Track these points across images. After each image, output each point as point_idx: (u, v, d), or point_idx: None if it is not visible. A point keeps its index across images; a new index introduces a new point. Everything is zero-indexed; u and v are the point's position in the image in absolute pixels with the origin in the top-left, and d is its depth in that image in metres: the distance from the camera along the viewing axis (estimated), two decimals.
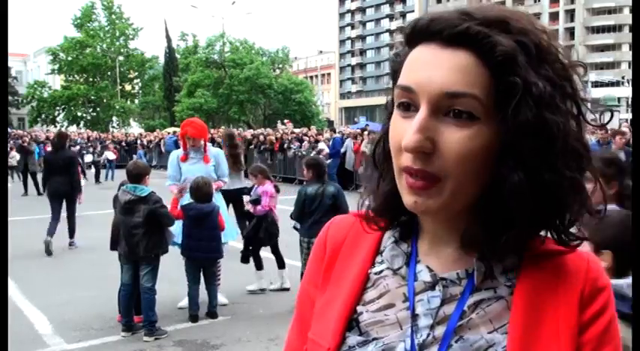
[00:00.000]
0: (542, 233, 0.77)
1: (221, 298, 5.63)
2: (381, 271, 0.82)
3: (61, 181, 8.15)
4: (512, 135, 0.69)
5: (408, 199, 0.73)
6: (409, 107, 0.72)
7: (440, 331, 0.75)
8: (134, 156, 21.84)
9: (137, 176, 4.95)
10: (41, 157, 15.61)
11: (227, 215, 5.78)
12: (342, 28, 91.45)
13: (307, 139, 18.46)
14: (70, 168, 8.27)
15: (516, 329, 0.72)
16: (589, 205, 0.74)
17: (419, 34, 0.73)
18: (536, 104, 0.68)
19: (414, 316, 0.76)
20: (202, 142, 5.70)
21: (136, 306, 5.22)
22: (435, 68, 0.70)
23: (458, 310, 0.75)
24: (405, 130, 0.71)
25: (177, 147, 8.09)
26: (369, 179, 0.85)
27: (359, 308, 0.80)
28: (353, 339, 0.78)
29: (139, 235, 4.79)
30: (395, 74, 0.78)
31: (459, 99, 0.69)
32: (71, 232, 8.46)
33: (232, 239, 5.82)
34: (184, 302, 5.53)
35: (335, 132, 20.28)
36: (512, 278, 0.76)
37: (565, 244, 0.75)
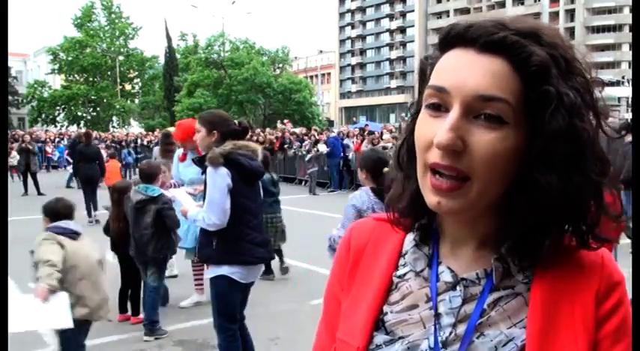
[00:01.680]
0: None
1: (200, 297, 5.65)
2: (404, 274, 0.86)
3: (91, 168, 11.25)
4: (545, 140, 0.72)
5: (431, 199, 0.76)
6: (439, 108, 0.75)
7: (462, 328, 0.78)
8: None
9: (150, 176, 4.98)
10: (67, 149, 20.36)
11: None
12: (342, 28, 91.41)
13: (308, 139, 18.44)
14: (97, 158, 11.52)
15: (534, 323, 0.75)
16: (607, 207, 0.77)
17: (454, 38, 0.76)
18: (568, 113, 0.72)
19: (437, 315, 0.80)
20: (195, 143, 5.63)
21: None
22: (470, 72, 0.73)
23: (478, 308, 0.78)
24: (433, 129, 0.74)
25: None
26: (393, 183, 0.88)
27: (385, 308, 0.84)
28: (380, 338, 0.82)
29: (147, 235, 4.81)
30: (423, 75, 0.81)
31: (492, 102, 0.72)
32: (94, 209, 10.74)
33: None
34: (186, 302, 5.55)
35: (328, 131, 20.17)
36: (529, 275, 0.78)
37: (587, 246, 0.78)
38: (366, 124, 22.99)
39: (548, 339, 0.74)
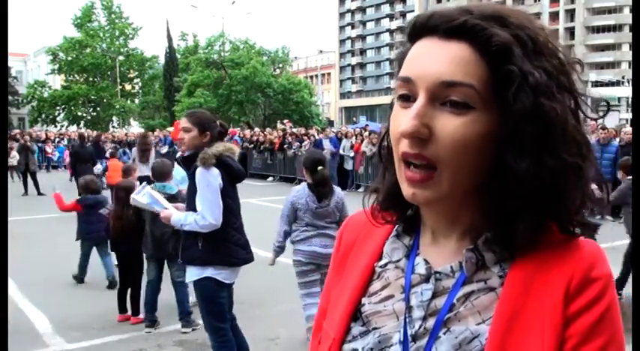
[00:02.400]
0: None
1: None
2: (386, 264, 0.86)
3: (86, 169, 11.80)
4: (512, 122, 0.71)
5: (407, 191, 0.75)
6: (409, 98, 0.75)
7: (430, 322, 0.77)
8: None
9: (163, 174, 5.01)
10: (66, 149, 21.85)
11: None
12: (342, 28, 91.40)
13: (308, 139, 18.41)
14: (92, 158, 12.88)
15: (500, 320, 0.72)
16: (590, 192, 0.75)
17: (419, 29, 0.77)
18: (534, 91, 0.70)
19: (409, 308, 0.79)
20: None
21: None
22: (432, 59, 0.73)
23: (447, 302, 0.77)
24: (403, 119, 0.73)
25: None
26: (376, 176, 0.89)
27: (363, 300, 0.84)
28: (356, 329, 0.83)
29: (168, 233, 4.83)
30: (399, 70, 0.80)
31: (456, 88, 0.71)
32: None
33: None
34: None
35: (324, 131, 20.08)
36: (506, 268, 0.76)
37: (570, 233, 0.75)
38: (367, 125, 22.96)
39: (511, 337, 0.70)
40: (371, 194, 0.88)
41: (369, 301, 0.83)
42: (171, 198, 4.85)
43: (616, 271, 6.83)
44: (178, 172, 5.49)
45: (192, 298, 5.61)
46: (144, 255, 5.16)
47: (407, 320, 0.78)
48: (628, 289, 4.91)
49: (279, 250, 4.55)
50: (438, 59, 0.72)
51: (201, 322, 5.19)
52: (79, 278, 6.57)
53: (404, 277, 0.82)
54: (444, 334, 0.75)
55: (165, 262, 5.11)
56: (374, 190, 0.88)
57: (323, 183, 4.39)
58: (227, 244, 3.52)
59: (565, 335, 0.70)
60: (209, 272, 3.49)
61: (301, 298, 4.51)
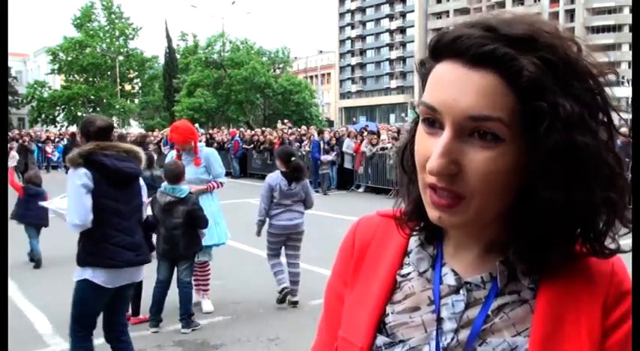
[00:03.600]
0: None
1: (207, 306, 5.63)
2: (408, 274, 0.84)
3: None
4: (542, 158, 0.69)
5: (432, 214, 0.74)
6: (434, 123, 0.73)
7: (464, 334, 0.76)
8: None
9: (176, 177, 4.99)
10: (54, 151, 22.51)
11: (222, 217, 5.74)
12: (342, 28, 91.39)
13: (307, 139, 18.41)
14: None
15: (538, 332, 0.73)
16: (622, 216, 0.74)
17: (443, 49, 0.73)
18: (565, 127, 0.68)
19: (439, 320, 0.78)
20: (192, 144, 5.60)
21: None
22: (459, 90, 0.70)
23: (482, 314, 0.76)
24: (429, 148, 0.72)
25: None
26: (400, 182, 0.86)
27: (387, 309, 0.82)
28: (380, 339, 0.80)
29: (178, 235, 4.87)
30: (423, 80, 0.77)
31: (484, 122, 0.69)
32: None
33: (222, 241, 5.76)
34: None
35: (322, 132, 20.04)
36: (536, 280, 0.76)
37: (598, 254, 0.75)
38: (366, 125, 22.98)
39: (551, 349, 0.72)
40: (399, 201, 0.87)
41: (392, 310, 0.82)
42: (180, 202, 4.88)
43: None
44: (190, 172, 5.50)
45: (193, 298, 5.63)
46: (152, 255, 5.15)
47: (438, 332, 0.77)
48: None
49: (260, 223, 5.73)
50: (465, 91, 0.69)
51: (201, 322, 5.20)
52: (37, 261, 7.34)
53: (431, 288, 0.80)
54: (480, 345, 0.74)
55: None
56: (403, 201, 0.86)
57: (298, 169, 5.68)
58: (105, 245, 3.42)
59: (605, 346, 0.72)
60: (87, 274, 3.42)
61: (271, 266, 5.68)
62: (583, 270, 0.75)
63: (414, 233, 0.85)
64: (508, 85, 0.68)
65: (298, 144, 18.27)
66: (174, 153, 5.82)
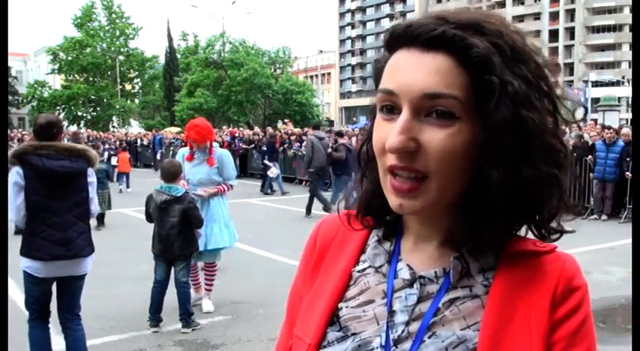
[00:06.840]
0: (522, 230, 0.80)
1: (207, 306, 5.63)
2: (364, 270, 0.85)
3: None
4: (492, 132, 0.72)
5: (393, 201, 0.76)
6: (392, 110, 0.75)
7: (414, 327, 0.77)
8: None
9: (173, 175, 4.98)
10: None
11: (231, 219, 5.71)
12: (342, 28, 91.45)
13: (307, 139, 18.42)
14: None
15: (488, 326, 0.74)
16: (566, 199, 0.77)
17: (398, 39, 0.76)
18: (513, 102, 0.71)
19: (391, 313, 0.79)
20: (208, 144, 5.50)
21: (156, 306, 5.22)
22: (415, 71, 0.72)
23: (432, 307, 0.77)
24: (387, 132, 0.74)
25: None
26: (357, 179, 0.89)
27: (340, 304, 0.83)
28: (332, 335, 0.81)
29: (173, 234, 4.86)
30: (377, 79, 0.80)
31: (440, 100, 0.71)
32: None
33: (231, 244, 5.75)
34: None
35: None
36: (490, 278, 0.78)
37: (545, 238, 0.78)
38: (366, 124, 22.95)
39: (500, 343, 0.73)
40: (346, 198, 0.89)
41: (346, 305, 0.83)
42: (176, 201, 4.87)
43: (616, 271, 6.83)
44: (194, 172, 5.48)
45: (192, 296, 5.64)
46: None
47: (389, 324, 0.78)
48: (628, 290, 4.91)
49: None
50: (420, 71, 0.72)
51: (201, 322, 5.20)
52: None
53: (385, 282, 0.82)
54: (429, 338, 0.76)
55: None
56: (349, 194, 0.89)
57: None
58: (33, 238, 3.64)
59: (551, 340, 0.74)
60: (23, 264, 3.68)
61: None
62: (535, 267, 0.77)
63: (374, 229, 0.87)
64: (460, 65, 0.71)
65: (298, 144, 18.27)
66: (187, 151, 5.62)
